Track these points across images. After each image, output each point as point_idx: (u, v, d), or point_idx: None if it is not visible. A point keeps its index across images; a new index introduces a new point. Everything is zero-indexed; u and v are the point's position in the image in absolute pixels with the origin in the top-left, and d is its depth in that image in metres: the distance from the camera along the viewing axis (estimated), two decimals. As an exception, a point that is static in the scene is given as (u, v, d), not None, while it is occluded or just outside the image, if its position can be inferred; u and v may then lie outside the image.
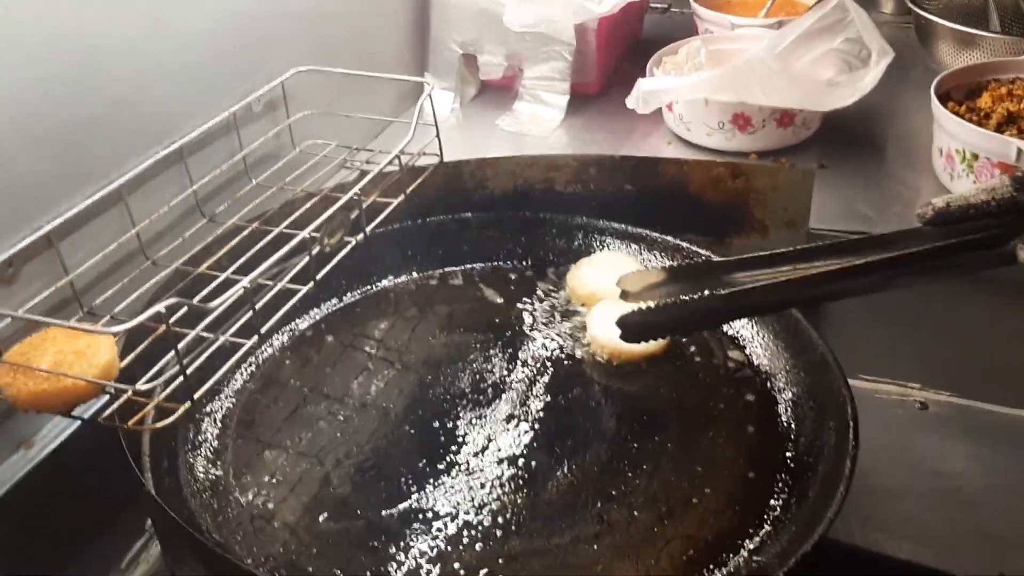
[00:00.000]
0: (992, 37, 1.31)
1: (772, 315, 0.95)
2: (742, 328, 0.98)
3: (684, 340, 0.98)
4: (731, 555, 0.75)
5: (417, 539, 0.76)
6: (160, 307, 0.69)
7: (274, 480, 0.83)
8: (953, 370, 1.21)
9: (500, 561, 0.75)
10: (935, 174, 1.23)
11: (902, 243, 0.75)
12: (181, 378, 0.72)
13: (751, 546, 0.75)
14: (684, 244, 1.06)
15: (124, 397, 0.73)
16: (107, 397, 0.76)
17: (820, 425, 0.84)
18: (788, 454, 0.84)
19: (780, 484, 0.81)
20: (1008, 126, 1.13)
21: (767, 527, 0.77)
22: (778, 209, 1.09)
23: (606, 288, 0.94)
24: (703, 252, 1.04)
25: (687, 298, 0.79)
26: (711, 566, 0.74)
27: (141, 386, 0.73)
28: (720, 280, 0.80)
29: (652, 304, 0.80)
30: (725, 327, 0.98)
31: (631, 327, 0.82)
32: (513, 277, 1.08)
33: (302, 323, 1.01)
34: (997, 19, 1.44)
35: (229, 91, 1.06)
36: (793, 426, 0.86)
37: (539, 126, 1.39)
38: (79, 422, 0.88)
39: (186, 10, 0.99)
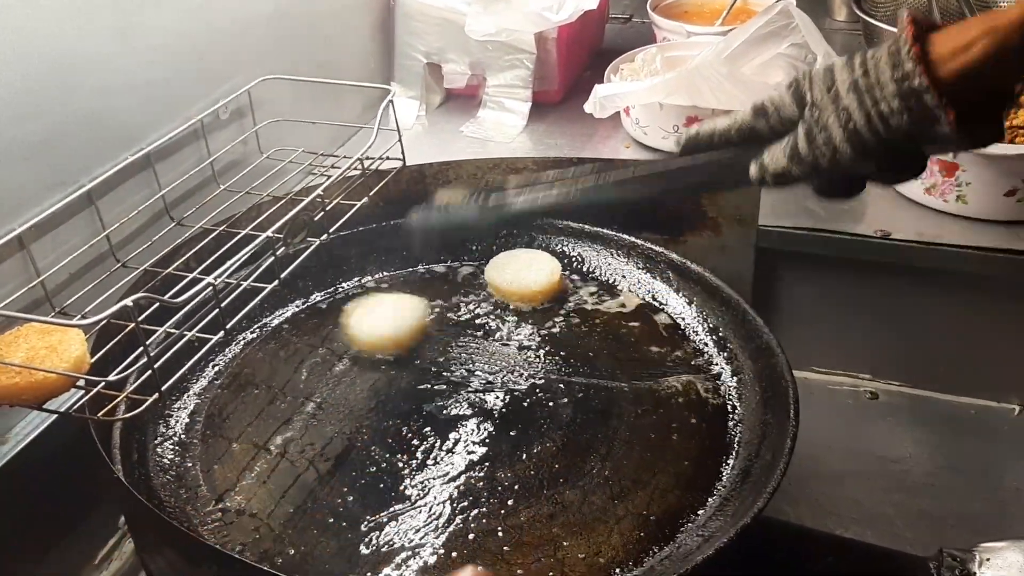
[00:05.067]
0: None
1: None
2: (690, 318, 1.02)
3: (639, 330, 1.02)
4: (678, 531, 0.78)
5: (382, 525, 0.80)
6: (128, 301, 0.72)
7: (242, 472, 0.85)
8: (902, 361, 1.26)
9: (459, 541, 0.78)
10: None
11: (662, 163, 0.86)
12: (149, 371, 0.75)
13: (697, 521, 0.79)
14: (640, 242, 1.10)
15: (95, 390, 0.76)
16: (78, 394, 0.79)
17: (764, 408, 0.88)
18: (733, 436, 0.88)
19: (725, 464, 0.85)
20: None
21: (712, 504, 0.80)
22: (729, 207, 1.13)
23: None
24: (658, 249, 1.08)
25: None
26: (660, 541, 0.78)
27: (111, 378, 0.76)
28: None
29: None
30: (677, 319, 1.02)
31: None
32: (472, 276, 1.12)
33: (269, 322, 1.04)
34: (941, 25, 1.49)
35: (196, 99, 1.09)
36: (739, 409, 0.90)
37: (503, 132, 1.43)
38: (51, 419, 0.92)
39: (153, 20, 1.02)
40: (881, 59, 0.65)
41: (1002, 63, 0.64)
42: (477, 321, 1.04)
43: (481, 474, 0.84)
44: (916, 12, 0.67)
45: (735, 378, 0.94)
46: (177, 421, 0.91)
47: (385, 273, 1.13)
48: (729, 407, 0.91)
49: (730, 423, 0.89)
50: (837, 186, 0.73)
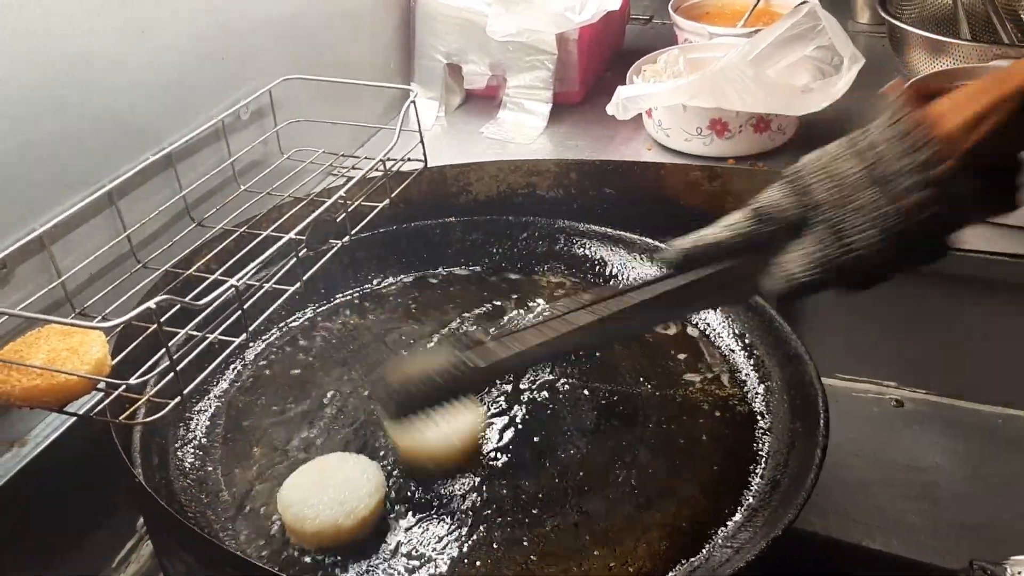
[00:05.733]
0: (962, 44, 1.35)
1: (734, 307, 0.98)
2: (716, 325, 1.00)
3: (664, 336, 1.00)
4: (706, 542, 0.77)
5: (403, 532, 0.79)
6: (151, 304, 0.71)
7: (262, 476, 0.84)
8: (928, 369, 1.24)
9: (483, 550, 0.77)
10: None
11: (661, 286, 0.76)
12: (172, 374, 0.74)
13: (725, 532, 0.77)
14: (663, 245, 1.09)
15: (116, 393, 0.76)
16: (98, 396, 0.78)
17: (792, 416, 0.86)
18: (761, 445, 0.86)
19: (753, 474, 0.83)
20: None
21: (740, 514, 0.79)
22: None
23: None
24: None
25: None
26: (688, 553, 0.76)
27: (132, 381, 0.75)
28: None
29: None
30: (702, 325, 1.01)
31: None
32: (493, 280, 1.11)
33: (288, 324, 1.03)
34: (967, 27, 1.47)
35: (218, 99, 1.09)
36: (767, 418, 0.89)
37: (523, 133, 1.42)
38: (71, 421, 0.91)
39: (174, 20, 1.01)
40: (888, 145, 0.62)
41: (1017, 133, 0.62)
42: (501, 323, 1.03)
43: (505, 482, 0.83)
44: (916, 82, 0.65)
45: (762, 385, 0.92)
46: (197, 424, 0.90)
47: (404, 276, 1.12)
48: (756, 415, 0.90)
49: (757, 431, 0.88)
50: (870, 281, 0.68)
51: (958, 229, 0.65)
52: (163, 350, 0.77)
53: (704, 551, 0.76)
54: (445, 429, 0.81)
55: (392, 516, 0.80)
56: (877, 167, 0.62)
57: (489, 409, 0.90)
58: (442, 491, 0.82)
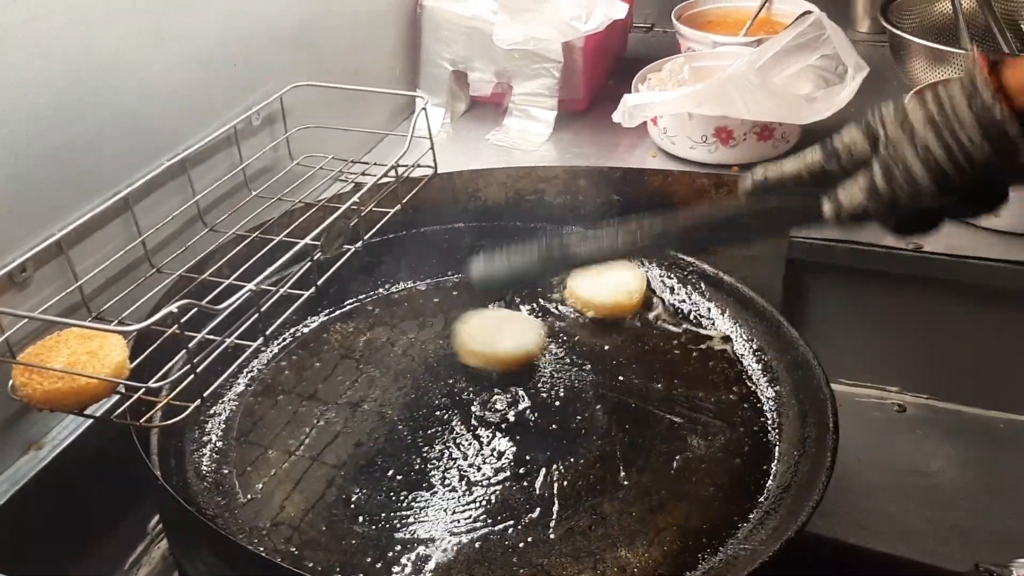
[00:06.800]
0: (963, 54, 1.36)
1: (734, 305, 1.02)
2: (726, 329, 1.02)
3: (674, 337, 1.02)
4: (720, 544, 0.78)
5: (416, 533, 0.79)
6: (172, 307, 0.72)
7: (277, 478, 0.85)
8: (930, 374, 1.26)
9: (497, 551, 0.78)
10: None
11: (732, 208, 0.82)
12: (192, 376, 0.75)
13: (738, 535, 0.78)
14: (671, 252, 1.10)
15: (135, 396, 0.76)
16: (112, 401, 0.79)
17: (803, 421, 0.87)
18: (771, 448, 0.87)
19: (764, 477, 0.84)
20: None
21: (753, 517, 0.80)
22: (761, 218, 1.13)
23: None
24: (689, 259, 1.08)
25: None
26: (701, 554, 0.77)
27: (152, 385, 0.76)
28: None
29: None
30: (711, 331, 1.02)
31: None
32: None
33: (300, 329, 1.04)
34: (967, 36, 1.49)
35: (231, 105, 1.10)
36: (777, 422, 0.90)
37: (528, 140, 1.43)
38: (86, 424, 0.92)
39: (189, 26, 1.02)
40: (955, 92, 0.65)
41: None
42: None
43: (517, 484, 0.84)
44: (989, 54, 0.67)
45: (772, 390, 0.93)
46: (212, 427, 0.91)
47: (414, 281, 1.13)
48: (766, 419, 0.91)
49: (768, 435, 0.89)
50: (915, 223, 0.72)
51: (1012, 176, 0.68)
52: (181, 353, 0.78)
53: (719, 554, 0.77)
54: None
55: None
56: (940, 112, 0.65)
57: (503, 410, 0.91)
58: (455, 492, 0.83)
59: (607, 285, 1.05)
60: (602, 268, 1.04)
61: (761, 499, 0.82)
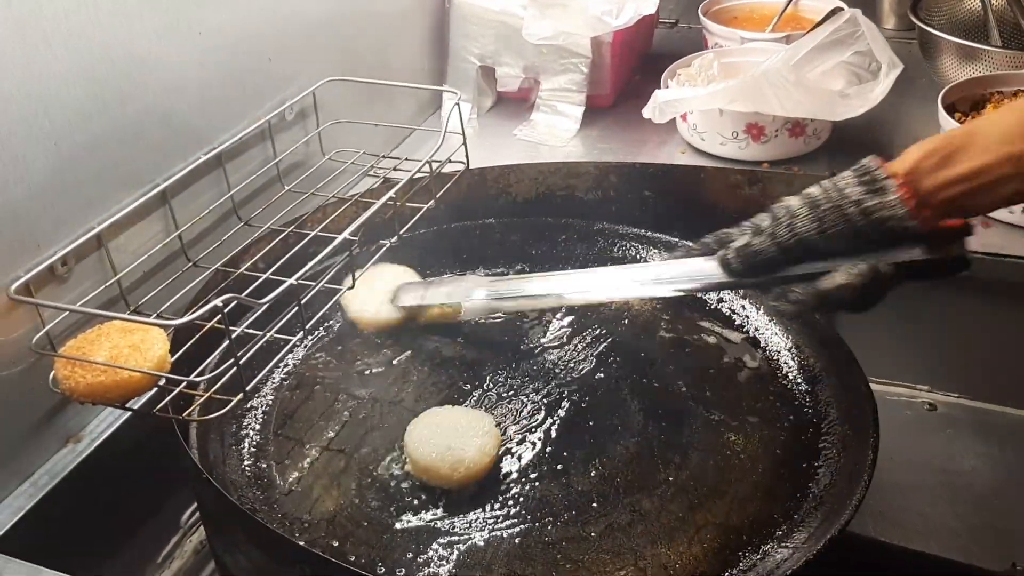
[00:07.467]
0: (993, 51, 1.36)
1: (791, 318, 0.99)
2: (763, 328, 1.01)
3: (709, 334, 1.01)
4: (761, 542, 0.78)
5: (454, 528, 0.79)
6: (218, 302, 0.72)
7: (315, 473, 0.85)
8: (960, 372, 1.25)
9: (537, 547, 0.78)
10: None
11: None
12: (235, 369, 0.75)
13: (779, 533, 0.78)
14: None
15: (177, 389, 0.77)
16: (150, 394, 0.79)
17: (843, 419, 0.87)
18: (810, 445, 0.87)
19: (803, 474, 0.84)
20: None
21: (794, 515, 0.80)
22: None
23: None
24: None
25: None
26: (741, 552, 0.77)
27: (195, 378, 0.76)
28: None
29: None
30: (747, 325, 1.02)
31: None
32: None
33: (336, 323, 1.04)
34: (998, 34, 1.48)
35: (265, 99, 1.10)
36: (815, 420, 0.89)
37: (555, 136, 1.43)
38: (124, 417, 0.92)
39: (223, 20, 1.02)
40: (846, 183, 0.73)
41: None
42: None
43: (556, 480, 0.84)
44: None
45: (809, 387, 0.93)
46: (250, 421, 0.91)
47: (446, 275, 1.13)
48: (804, 417, 0.90)
49: (807, 433, 0.88)
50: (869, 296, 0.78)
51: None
52: (222, 346, 0.78)
53: (760, 552, 0.77)
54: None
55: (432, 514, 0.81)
56: (829, 198, 0.73)
57: (538, 408, 0.91)
58: (495, 488, 0.83)
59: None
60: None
61: (801, 497, 0.81)
